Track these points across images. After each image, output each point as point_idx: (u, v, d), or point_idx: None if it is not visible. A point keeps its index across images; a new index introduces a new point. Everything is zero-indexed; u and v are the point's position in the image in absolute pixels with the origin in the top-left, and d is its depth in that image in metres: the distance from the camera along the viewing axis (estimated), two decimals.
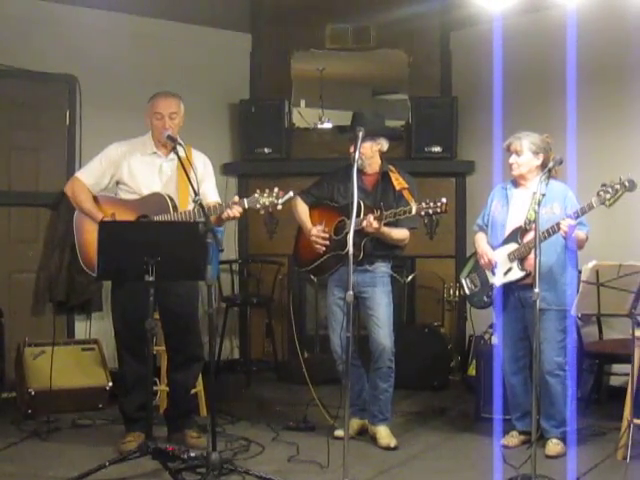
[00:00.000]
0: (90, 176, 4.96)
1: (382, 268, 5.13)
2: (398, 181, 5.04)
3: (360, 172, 5.07)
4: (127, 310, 4.82)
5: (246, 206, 4.69)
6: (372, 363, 5.11)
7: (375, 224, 4.85)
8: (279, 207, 4.66)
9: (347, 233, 4.38)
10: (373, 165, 5.15)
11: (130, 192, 4.92)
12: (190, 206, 4.80)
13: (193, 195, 4.50)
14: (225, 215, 4.73)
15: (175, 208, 4.79)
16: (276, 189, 4.65)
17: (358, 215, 4.84)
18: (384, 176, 5.12)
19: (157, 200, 4.82)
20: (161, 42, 6.97)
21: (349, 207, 4.44)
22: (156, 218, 4.76)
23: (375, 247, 5.05)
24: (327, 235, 5.12)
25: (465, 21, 7.07)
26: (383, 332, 5.05)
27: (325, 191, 5.26)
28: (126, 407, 4.99)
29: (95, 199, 4.94)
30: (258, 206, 4.65)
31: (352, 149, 4.78)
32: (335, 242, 5.08)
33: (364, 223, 4.86)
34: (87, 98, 6.61)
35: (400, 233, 5.07)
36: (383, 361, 5.06)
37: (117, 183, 4.98)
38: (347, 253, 4.32)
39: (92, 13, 6.59)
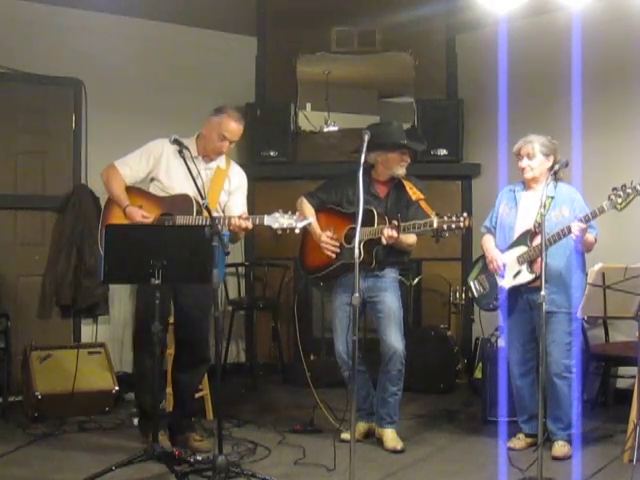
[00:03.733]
0: (126, 166, 5.01)
1: (391, 274, 5.13)
2: (413, 190, 4.99)
3: (372, 178, 5.06)
4: (150, 311, 4.77)
5: (265, 223, 4.67)
6: (382, 366, 5.09)
7: (395, 234, 4.80)
8: (297, 231, 4.65)
9: (360, 241, 4.34)
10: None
11: (162, 190, 4.97)
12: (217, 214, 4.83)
13: (200, 199, 4.52)
14: (234, 222, 4.72)
15: (199, 212, 4.80)
16: (297, 214, 4.65)
17: (372, 224, 4.83)
18: (398, 185, 5.10)
19: (185, 201, 4.85)
20: (167, 45, 6.98)
21: (362, 214, 4.37)
22: (179, 218, 4.80)
23: (387, 254, 5.03)
24: (338, 243, 5.08)
25: (471, 24, 7.06)
26: (395, 335, 5.04)
27: (333, 196, 5.21)
28: (149, 402, 4.83)
29: (127, 189, 4.99)
30: (276, 225, 4.62)
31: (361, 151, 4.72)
32: (346, 250, 5.01)
33: (383, 240, 4.82)
34: (93, 102, 6.62)
35: (411, 238, 5.05)
36: (394, 364, 5.04)
37: (152, 179, 5.02)
38: (357, 261, 4.26)
39: (98, 17, 6.61)
